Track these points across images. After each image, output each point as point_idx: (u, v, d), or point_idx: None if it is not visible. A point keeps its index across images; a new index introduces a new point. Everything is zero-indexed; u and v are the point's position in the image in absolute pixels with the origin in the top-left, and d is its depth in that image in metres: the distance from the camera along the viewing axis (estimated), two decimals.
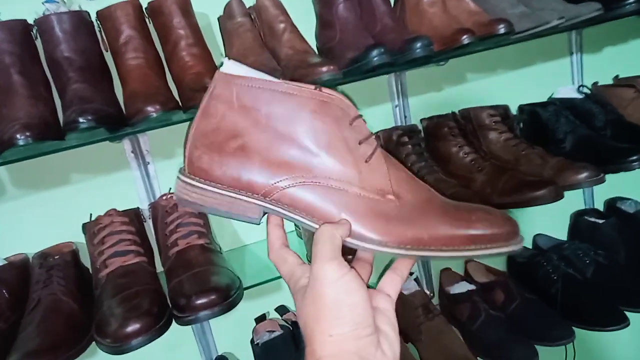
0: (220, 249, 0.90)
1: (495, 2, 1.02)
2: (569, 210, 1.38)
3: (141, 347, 0.68)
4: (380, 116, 1.17)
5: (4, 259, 0.86)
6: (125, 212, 0.88)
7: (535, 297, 1.11)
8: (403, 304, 1.11)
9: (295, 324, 0.99)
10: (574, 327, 1.03)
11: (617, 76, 1.37)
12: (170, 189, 0.94)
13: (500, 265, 1.27)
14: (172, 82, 0.87)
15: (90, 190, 0.95)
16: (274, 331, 0.97)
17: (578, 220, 1.34)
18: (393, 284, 0.43)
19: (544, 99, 1.28)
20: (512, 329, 1.05)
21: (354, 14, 0.95)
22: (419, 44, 0.86)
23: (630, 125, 1.16)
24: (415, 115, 1.19)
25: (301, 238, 0.99)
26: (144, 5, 0.88)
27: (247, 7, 0.96)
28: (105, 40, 0.85)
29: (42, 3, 0.81)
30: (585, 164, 0.98)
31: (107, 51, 0.86)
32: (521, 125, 1.23)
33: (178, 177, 0.45)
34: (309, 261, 0.40)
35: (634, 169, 1.01)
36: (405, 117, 1.19)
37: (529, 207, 0.93)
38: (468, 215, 0.42)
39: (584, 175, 0.96)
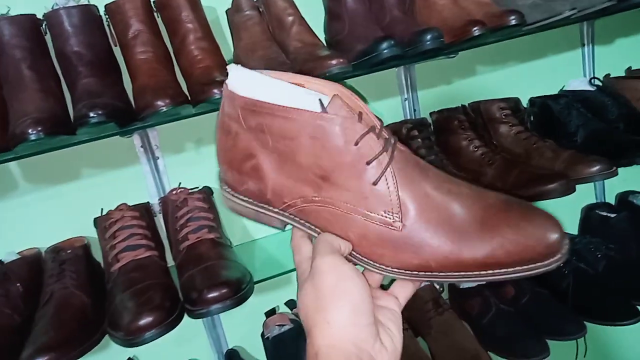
0: (231, 243, 0.91)
1: None
2: (580, 204, 1.36)
3: (154, 340, 0.69)
4: (390, 110, 1.16)
5: (17, 253, 0.87)
6: (136, 207, 0.89)
7: (546, 292, 1.11)
8: (413, 299, 1.10)
9: None
10: (585, 322, 1.02)
11: (629, 68, 1.35)
12: (180, 183, 0.95)
13: None
14: (181, 76, 0.87)
15: (100, 185, 0.96)
16: (284, 325, 0.98)
17: (589, 214, 1.33)
18: (404, 290, 0.43)
19: (556, 91, 1.27)
20: (522, 324, 1.04)
21: (362, 6, 0.94)
22: (428, 36, 0.85)
23: None
24: (424, 108, 1.18)
25: None
26: None
27: (255, 0, 0.95)
28: (114, 34, 0.85)
29: None
30: (597, 157, 0.97)
31: (116, 45, 0.86)
32: (532, 118, 1.22)
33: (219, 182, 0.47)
34: None
35: None
36: (414, 110, 1.18)
37: (539, 201, 0.93)
38: (498, 230, 0.38)
39: (596, 168, 0.95)
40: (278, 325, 0.98)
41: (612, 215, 1.26)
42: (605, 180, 1.28)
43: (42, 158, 0.77)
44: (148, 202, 0.96)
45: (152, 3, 0.88)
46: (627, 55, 1.37)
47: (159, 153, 0.98)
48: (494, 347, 1.02)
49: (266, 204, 0.44)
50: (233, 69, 0.42)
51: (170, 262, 0.88)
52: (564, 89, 1.27)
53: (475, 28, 0.87)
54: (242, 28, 0.93)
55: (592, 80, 1.26)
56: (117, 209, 0.87)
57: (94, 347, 0.73)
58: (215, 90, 0.76)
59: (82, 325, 0.73)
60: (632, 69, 1.34)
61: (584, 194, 1.37)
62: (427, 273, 0.40)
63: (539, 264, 0.38)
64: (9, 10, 0.80)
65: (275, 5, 0.93)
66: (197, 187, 0.94)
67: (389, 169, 0.39)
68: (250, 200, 0.44)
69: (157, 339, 0.69)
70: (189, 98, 0.81)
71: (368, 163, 0.39)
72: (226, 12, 0.97)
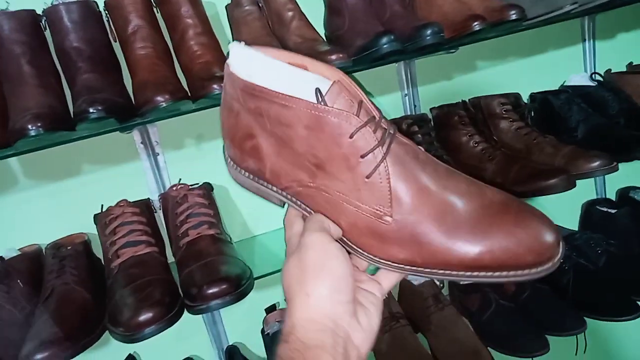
0: (231, 239, 0.91)
1: None
2: (581, 200, 1.36)
3: (153, 335, 0.69)
4: (390, 105, 1.16)
5: (18, 249, 0.87)
6: (136, 203, 0.89)
7: (546, 288, 1.10)
8: (413, 295, 1.11)
9: None
10: (585, 318, 1.02)
11: (630, 63, 1.35)
12: (180, 179, 0.95)
13: None
14: (181, 72, 0.87)
15: (100, 181, 0.96)
16: (284, 321, 0.98)
17: (590, 209, 1.32)
18: (388, 278, 0.44)
19: (556, 86, 1.26)
20: (522, 320, 1.04)
21: (363, 1, 0.94)
22: (429, 31, 0.85)
23: None
24: (425, 104, 1.18)
25: None
26: None
27: None
28: (114, 30, 0.85)
29: None
30: (598, 152, 0.97)
31: (115, 41, 0.86)
32: (532, 113, 1.21)
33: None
34: None
35: None
36: (414, 106, 1.18)
37: (540, 197, 0.93)
38: (489, 234, 0.38)
39: (596, 163, 0.95)
40: (278, 321, 0.99)
41: (613, 211, 1.26)
42: (605, 176, 1.28)
43: (42, 154, 0.77)
44: (148, 198, 0.95)
45: None
46: (628, 51, 1.37)
47: (159, 149, 0.98)
48: (494, 342, 1.02)
49: (265, 182, 0.44)
50: (234, 47, 0.41)
51: (170, 258, 0.88)
52: (564, 84, 1.26)
53: (475, 23, 0.87)
54: (241, 23, 0.92)
55: (593, 76, 1.25)
56: (117, 205, 0.87)
57: (94, 342, 0.73)
58: (215, 86, 0.76)
59: (82, 321, 0.74)
60: (633, 64, 1.34)
61: (585, 190, 1.37)
62: (412, 267, 0.40)
63: (525, 271, 0.38)
64: (8, 6, 0.80)
65: (275, 0, 0.93)
66: (197, 183, 0.94)
67: (383, 163, 0.39)
68: (251, 176, 0.45)
69: (157, 334, 0.69)
70: (189, 94, 0.81)
71: (362, 157, 0.39)
72: (226, 7, 0.97)
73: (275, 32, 0.93)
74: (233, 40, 0.95)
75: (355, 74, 0.89)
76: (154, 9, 0.88)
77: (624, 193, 1.34)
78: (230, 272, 0.75)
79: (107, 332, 0.73)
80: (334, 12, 0.97)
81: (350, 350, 0.37)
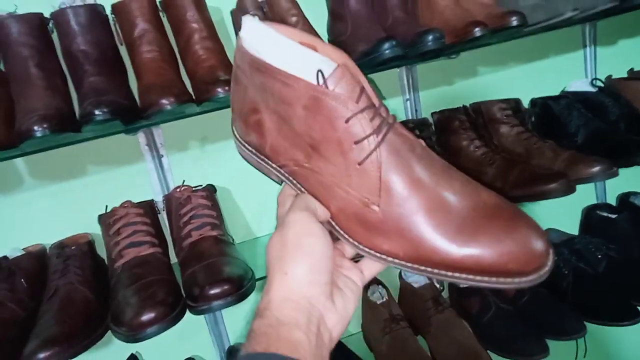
0: (233, 240, 0.91)
1: None
2: (581, 205, 1.36)
3: (156, 335, 0.69)
4: (391, 110, 1.15)
5: (22, 249, 0.88)
6: (140, 204, 0.90)
7: (546, 291, 1.11)
8: (413, 297, 1.12)
9: None
10: (585, 322, 1.03)
11: (631, 69, 1.35)
12: (184, 181, 0.95)
13: None
14: (186, 75, 0.88)
15: (105, 182, 0.97)
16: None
17: (590, 214, 1.33)
18: (371, 267, 0.44)
19: (557, 92, 1.27)
20: (522, 323, 1.04)
21: (365, 7, 0.95)
22: (430, 37, 0.86)
23: None
24: (426, 108, 1.19)
25: None
26: None
27: (260, 0, 0.96)
28: (120, 33, 0.86)
29: None
30: (598, 157, 0.97)
31: (121, 44, 0.87)
32: (533, 118, 1.22)
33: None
34: None
35: None
36: (416, 110, 1.18)
37: (540, 201, 0.93)
38: (475, 237, 0.37)
39: (596, 168, 0.95)
40: None
41: (613, 216, 1.26)
42: (606, 181, 1.29)
43: (47, 155, 0.78)
44: (152, 199, 0.96)
45: (157, 3, 0.89)
46: (629, 57, 1.37)
47: (164, 151, 0.99)
48: (493, 346, 1.02)
49: (265, 158, 0.45)
50: (247, 20, 0.41)
51: (173, 258, 0.89)
52: (565, 90, 1.27)
53: (476, 29, 0.87)
54: None
55: (594, 82, 1.26)
56: (122, 206, 0.88)
57: (97, 342, 0.74)
58: (219, 89, 0.77)
59: (85, 320, 0.74)
60: (634, 70, 1.34)
61: (585, 195, 1.38)
62: (394, 260, 0.40)
63: (508, 279, 0.36)
64: (16, 9, 0.81)
65: (279, 5, 0.94)
66: (201, 185, 0.95)
67: (375, 152, 0.38)
68: (253, 150, 0.46)
69: (159, 334, 0.70)
70: (194, 97, 0.82)
71: (356, 143, 0.38)
72: (231, 12, 0.98)
73: None
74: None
75: None
76: (160, 14, 0.89)
77: (624, 198, 1.34)
78: (232, 273, 0.76)
79: (109, 331, 0.74)
80: (336, 17, 0.98)
81: (324, 331, 0.37)
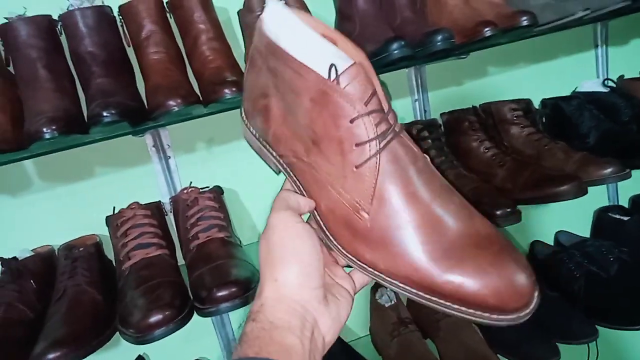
0: (240, 242, 0.91)
1: None
2: (592, 207, 1.35)
3: (163, 337, 0.69)
4: (400, 110, 1.15)
5: (31, 250, 0.88)
6: (147, 206, 0.90)
7: (557, 295, 1.09)
8: None
9: None
10: (597, 326, 1.01)
11: None
12: (191, 182, 0.95)
13: None
14: (193, 77, 0.88)
15: (113, 184, 0.97)
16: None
17: (602, 216, 1.31)
18: (360, 277, 0.44)
19: (568, 93, 1.26)
20: (532, 327, 1.03)
21: (373, 7, 0.94)
22: (439, 37, 0.85)
23: None
24: (435, 109, 1.18)
25: None
26: None
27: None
28: (128, 35, 0.87)
29: None
30: (610, 159, 0.96)
31: (129, 46, 0.87)
32: (544, 119, 1.21)
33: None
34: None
35: None
36: (425, 111, 1.18)
37: (551, 203, 0.92)
38: (460, 264, 0.35)
39: (608, 170, 0.94)
40: None
41: (625, 218, 1.24)
42: (618, 183, 1.27)
43: (56, 156, 0.79)
44: (159, 200, 0.97)
45: (164, 4, 0.89)
46: None
47: (171, 152, 0.99)
48: (503, 349, 1.01)
49: (267, 144, 0.45)
50: (271, 3, 0.41)
51: (180, 260, 0.88)
52: (576, 90, 1.26)
53: (486, 29, 0.86)
54: (253, 28, 0.93)
55: (606, 82, 1.24)
56: (129, 208, 0.88)
57: (104, 343, 0.74)
58: (227, 90, 0.76)
59: (93, 321, 0.74)
60: None
61: (597, 196, 1.36)
62: (374, 271, 0.39)
63: (485, 314, 0.35)
64: (25, 11, 0.82)
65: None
66: (208, 187, 0.95)
67: (375, 158, 0.37)
68: (257, 135, 0.45)
69: (167, 336, 0.70)
70: (201, 98, 0.82)
71: (357, 145, 0.37)
72: (238, 13, 0.98)
73: None
74: (245, 46, 0.96)
75: None
76: (167, 15, 0.89)
77: (636, 200, 1.33)
78: (239, 275, 0.76)
79: (117, 333, 0.74)
80: (344, 17, 0.97)
81: (317, 336, 0.37)
